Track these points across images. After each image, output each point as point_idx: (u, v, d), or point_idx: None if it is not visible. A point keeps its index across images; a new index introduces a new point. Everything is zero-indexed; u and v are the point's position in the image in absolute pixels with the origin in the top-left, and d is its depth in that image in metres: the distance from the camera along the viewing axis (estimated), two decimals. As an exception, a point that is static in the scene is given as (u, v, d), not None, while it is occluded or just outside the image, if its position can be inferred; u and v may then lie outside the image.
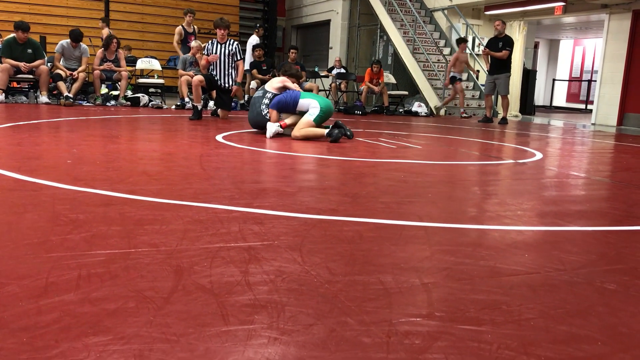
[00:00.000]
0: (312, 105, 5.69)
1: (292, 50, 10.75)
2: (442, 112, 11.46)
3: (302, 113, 5.78)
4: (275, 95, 5.94)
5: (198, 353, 1.25)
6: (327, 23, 14.84)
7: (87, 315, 1.40)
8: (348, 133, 5.62)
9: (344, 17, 14.25)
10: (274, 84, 6.03)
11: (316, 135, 5.56)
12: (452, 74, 10.58)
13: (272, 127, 5.67)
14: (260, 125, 5.97)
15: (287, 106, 5.81)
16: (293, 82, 6.12)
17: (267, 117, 5.87)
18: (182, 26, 9.93)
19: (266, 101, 5.93)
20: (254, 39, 11.13)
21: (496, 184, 3.80)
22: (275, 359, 1.24)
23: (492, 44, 9.75)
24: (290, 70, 6.26)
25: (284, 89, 5.97)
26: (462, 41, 10.69)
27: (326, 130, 5.53)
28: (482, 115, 10.42)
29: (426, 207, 2.84)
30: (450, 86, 10.79)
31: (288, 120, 5.83)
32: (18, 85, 9.42)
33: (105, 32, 10.64)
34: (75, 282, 1.61)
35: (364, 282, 1.73)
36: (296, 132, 5.62)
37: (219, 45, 7.48)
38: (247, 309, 1.49)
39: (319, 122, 5.67)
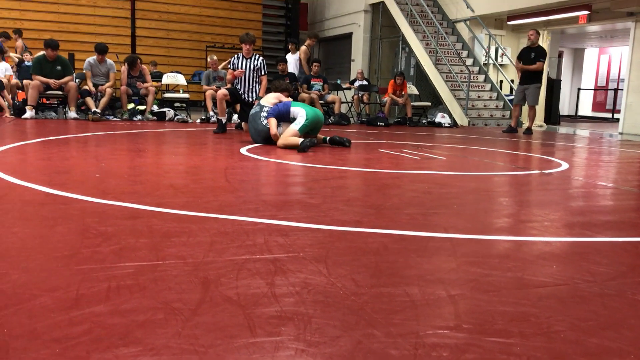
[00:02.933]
0: (300, 114, 5.94)
1: (315, 64, 10.82)
2: None
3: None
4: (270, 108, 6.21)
5: (226, 364, 1.26)
6: (349, 36, 14.92)
7: (117, 327, 1.42)
8: (347, 144, 6.09)
9: (365, 30, 14.30)
10: (270, 99, 6.29)
11: (295, 145, 5.65)
12: None
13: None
14: (262, 137, 6.12)
15: (282, 114, 6.06)
16: (286, 96, 6.48)
17: (267, 126, 6.06)
18: (306, 47, 10.55)
19: (264, 114, 6.13)
20: (290, 56, 11.22)
21: (522, 194, 3.76)
22: (303, 370, 1.24)
23: (524, 55, 9.64)
24: (280, 86, 6.71)
25: (278, 102, 6.25)
26: None
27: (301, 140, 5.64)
28: (506, 126, 10.33)
29: (451, 219, 2.82)
30: None
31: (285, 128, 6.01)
32: (47, 102, 9.65)
33: (19, 43, 10.95)
34: (105, 293, 1.64)
35: (390, 294, 1.72)
36: (280, 140, 5.84)
37: (244, 60, 7.57)
38: (273, 320, 1.49)
39: (303, 131, 5.86)
